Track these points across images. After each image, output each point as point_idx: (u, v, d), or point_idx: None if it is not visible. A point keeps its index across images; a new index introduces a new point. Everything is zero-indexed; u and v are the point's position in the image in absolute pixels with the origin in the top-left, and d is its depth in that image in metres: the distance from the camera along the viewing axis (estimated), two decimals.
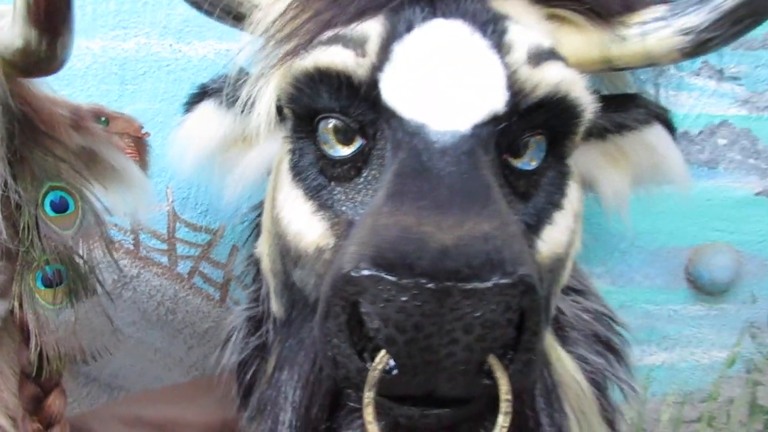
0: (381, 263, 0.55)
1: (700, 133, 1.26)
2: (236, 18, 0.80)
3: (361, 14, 0.71)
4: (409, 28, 0.70)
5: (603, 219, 1.27)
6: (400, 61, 0.69)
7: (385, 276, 0.54)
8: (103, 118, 0.95)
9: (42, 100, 0.87)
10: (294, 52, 0.73)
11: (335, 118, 0.73)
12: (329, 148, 0.74)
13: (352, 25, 0.71)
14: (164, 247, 1.27)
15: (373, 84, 0.69)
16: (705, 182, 1.28)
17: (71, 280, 0.86)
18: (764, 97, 1.26)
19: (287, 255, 0.78)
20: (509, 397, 0.58)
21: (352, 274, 0.56)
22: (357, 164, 0.72)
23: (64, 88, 1.21)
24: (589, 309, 0.96)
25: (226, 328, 0.98)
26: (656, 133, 0.89)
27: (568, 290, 0.96)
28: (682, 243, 1.29)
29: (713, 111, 1.26)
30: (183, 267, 1.26)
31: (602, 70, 0.85)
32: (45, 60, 0.74)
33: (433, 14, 0.72)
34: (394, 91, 0.68)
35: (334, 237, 0.71)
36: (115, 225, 1.22)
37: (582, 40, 0.82)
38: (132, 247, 1.26)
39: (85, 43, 1.19)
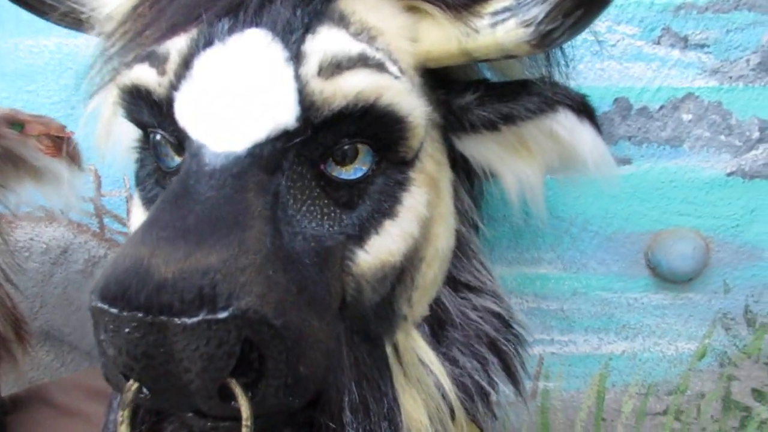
0: (106, 296, 0.57)
1: (661, 108, 1.15)
2: (75, 22, 0.83)
3: (170, 31, 0.72)
4: (208, 43, 0.70)
5: (551, 203, 1.22)
6: (192, 79, 0.69)
7: (108, 309, 0.57)
8: (17, 123, 1.02)
9: None
10: (118, 70, 0.75)
11: (158, 133, 0.75)
12: (166, 158, 0.76)
13: (163, 42, 0.72)
14: (126, 230, 1.35)
15: (170, 103, 0.69)
16: (666, 162, 1.16)
17: None
18: (737, 65, 1.12)
19: None
20: (249, 423, 0.59)
21: (90, 304, 0.58)
22: None
23: (28, 85, 1.32)
24: (479, 307, 0.93)
25: None
26: (559, 119, 0.83)
27: (460, 287, 0.94)
28: (640, 228, 1.19)
29: (676, 83, 1.14)
30: None
31: (467, 62, 0.80)
32: None
33: (244, 24, 0.71)
34: (183, 111, 0.69)
35: None
36: (82, 210, 1.32)
37: (439, 33, 0.78)
38: (98, 230, 1.36)
39: (44, 41, 1.27)
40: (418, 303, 0.84)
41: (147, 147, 0.80)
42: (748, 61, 1.12)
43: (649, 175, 1.17)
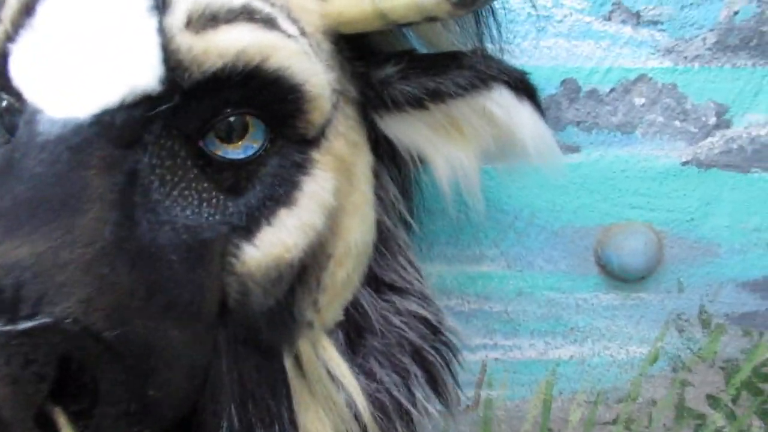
0: None
1: (612, 91, 1.04)
2: None
3: None
4: None
5: (493, 194, 1.11)
6: (32, 29, 0.55)
7: None
8: None
9: None
10: None
11: (2, 99, 0.61)
12: None
13: None
14: None
15: (5, 58, 0.56)
16: (618, 150, 1.06)
17: None
18: (693, 44, 1.03)
19: None
20: None
21: None
22: None
23: None
24: (403, 311, 0.81)
25: None
26: (494, 98, 0.72)
27: (383, 287, 0.82)
28: (590, 222, 1.09)
29: (628, 64, 1.03)
30: None
31: (384, 27, 0.68)
32: None
33: None
34: (18, 68, 0.55)
35: None
36: None
37: None
38: None
39: None
40: (328, 307, 0.72)
41: None
42: (704, 39, 1.02)
43: (599, 165, 1.07)
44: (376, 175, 0.79)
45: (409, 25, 0.69)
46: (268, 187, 0.62)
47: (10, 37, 0.55)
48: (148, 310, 0.49)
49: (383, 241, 0.82)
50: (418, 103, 0.72)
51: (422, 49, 0.78)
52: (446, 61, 0.72)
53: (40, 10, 0.55)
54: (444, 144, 0.76)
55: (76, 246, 0.46)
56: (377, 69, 0.73)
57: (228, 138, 0.61)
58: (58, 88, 0.53)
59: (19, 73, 0.55)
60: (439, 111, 0.73)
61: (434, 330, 0.82)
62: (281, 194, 0.63)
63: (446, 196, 0.80)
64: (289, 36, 0.60)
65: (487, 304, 1.14)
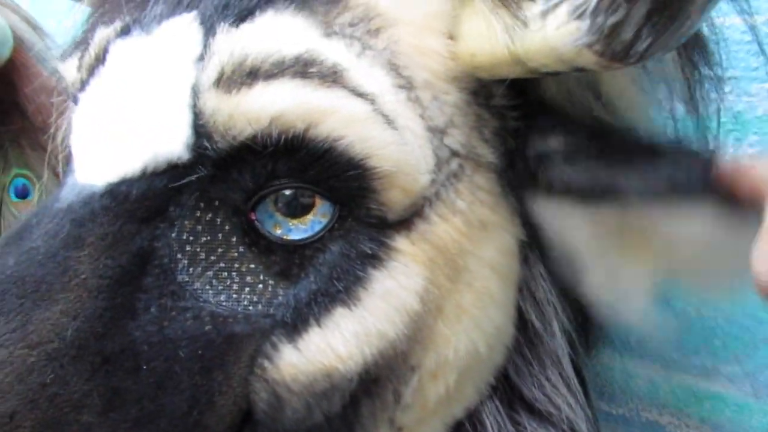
0: None
1: None
2: None
3: (112, 15, 0.55)
4: (127, 31, 0.52)
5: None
6: (98, 78, 0.51)
7: None
8: None
9: (36, 90, 0.93)
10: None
11: None
12: None
13: (98, 28, 0.56)
14: None
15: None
16: None
17: None
18: None
19: None
20: None
21: None
22: None
23: None
24: None
25: None
26: (700, 213, 0.48)
27: (518, 405, 0.64)
28: None
29: None
30: None
31: (528, 75, 0.51)
32: None
33: (181, 7, 0.51)
34: (75, 121, 0.52)
35: None
36: None
37: (484, 30, 0.50)
38: None
39: None
40: (416, 426, 0.57)
41: None
42: None
43: None
44: (527, 263, 0.60)
45: (557, 74, 0.48)
46: (324, 279, 0.49)
47: (83, 85, 0.53)
48: (107, 425, 0.42)
49: (529, 345, 0.62)
50: (582, 197, 0.51)
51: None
52: (635, 149, 0.49)
53: (107, 59, 0.51)
54: (610, 253, 0.53)
55: (20, 345, 0.40)
56: (537, 138, 0.54)
57: (289, 212, 0.50)
58: (89, 149, 0.48)
59: (75, 127, 0.51)
60: (612, 212, 0.51)
61: None
62: (340, 290, 0.49)
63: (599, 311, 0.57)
64: (359, 95, 0.46)
65: None
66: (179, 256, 0.48)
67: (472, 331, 0.56)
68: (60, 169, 0.80)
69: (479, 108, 0.55)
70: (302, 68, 0.45)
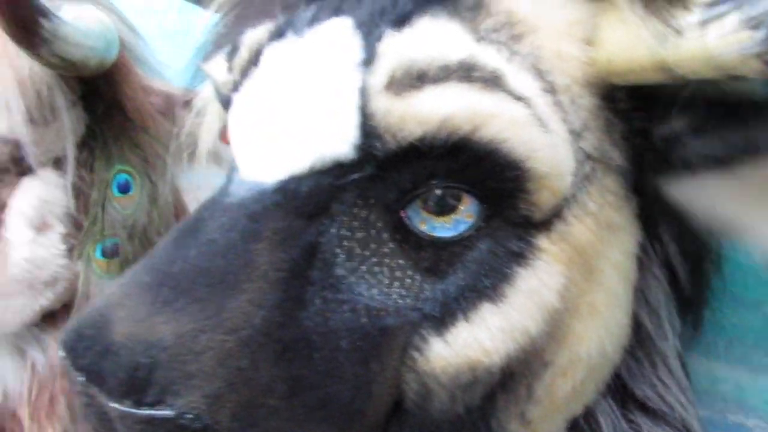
0: (64, 343, 0.46)
1: None
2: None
3: (257, 17, 0.58)
4: (282, 34, 0.54)
5: None
6: (253, 80, 0.54)
7: (64, 357, 0.46)
8: None
9: (136, 90, 0.96)
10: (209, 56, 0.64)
11: None
12: None
13: (246, 31, 0.58)
14: None
15: (230, 105, 0.56)
16: None
17: (125, 254, 0.96)
18: None
19: None
20: None
21: None
22: None
23: None
24: None
25: None
26: None
27: (630, 403, 0.65)
28: None
29: None
30: None
31: (668, 81, 0.52)
32: (60, 66, 0.82)
33: (330, 13, 0.53)
34: (233, 119, 0.54)
35: None
36: None
37: (626, 34, 0.52)
38: None
39: None
40: (543, 420, 0.59)
41: None
42: None
43: None
44: (642, 265, 0.61)
45: (700, 81, 0.50)
46: (472, 276, 0.51)
47: (236, 86, 0.55)
48: (289, 409, 0.44)
49: (641, 346, 0.64)
50: (721, 165, 0.53)
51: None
52: (758, 107, 0.51)
53: (261, 62, 0.54)
54: (764, 210, 0.54)
55: (218, 331, 0.43)
56: (660, 124, 0.55)
57: (436, 210, 0.52)
58: (254, 148, 0.50)
59: (232, 126, 0.54)
60: (753, 171, 0.52)
61: None
62: (487, 287, 0.51)
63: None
64: (518, 98, 0.48)
65: None
66: (337, 250, 0.50)
67: (602, 330, 0.58)
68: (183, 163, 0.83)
69: (608, 112, 0.56)
70: (466, 72, 0.47)
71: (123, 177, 0.96)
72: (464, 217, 0.52)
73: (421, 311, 0.51)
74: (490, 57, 0.49)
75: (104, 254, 0.95)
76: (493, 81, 0.48)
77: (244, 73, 0.55)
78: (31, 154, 0.87)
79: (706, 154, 0.52)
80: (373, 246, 0.51)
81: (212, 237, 0.47)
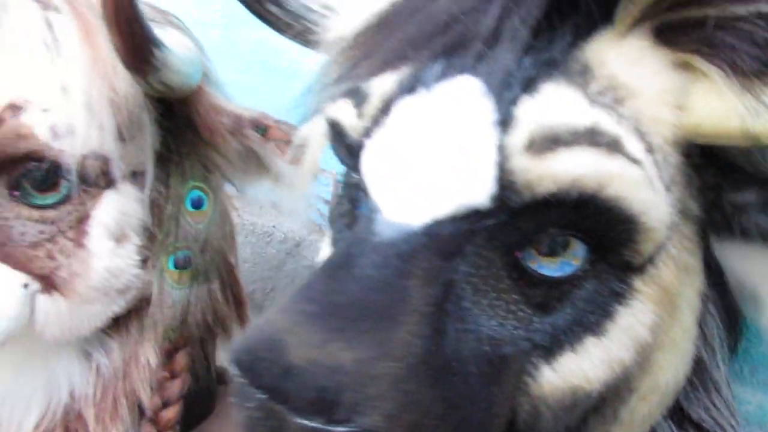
0: (238, 362, 0.52)
1: None
2: (308, 42, 0.80)
3: (380, 67, 0.64)
4: (412, 88, 0.60)
5: None
6: (386, 128, 0.60)
7: (239, 376, 0.51)
8: (262, 127, 1.05)
9: (208, 110, 1.01)
10: (327, 100, 0.70)
11: (353, 175, 0.68)
12: (361, 204, 0.70)
13: (370, 78, 0.64)
14: None
15: (360, 150, 0.62)
16: None
17: (196, 266, 1.01)
18: None
19: None
20: None
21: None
22: None
23: (293, 83, 1.37)
24: None
25: None
26: None
27: (687, 425, 0.73)
28: None
29: None
30: None
31: (752, 147, 0.60)
32: (160, 91, 0.87)
33: (458, 70, 0.60)
34: (368, 163, 0.60)
35: None
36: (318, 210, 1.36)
37: (717, 103, 0.59)
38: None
39: None
40: None
41: (343, 183, 0.74)
42: None
43: None
44: (704, 303, 0.69)
45: None
46: (578, 312, 0.59)
47: (368, 133, 0.61)
48: (443, 428, 0.51)
49: (696, 373, 0.72)
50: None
51: None
52: None
53: (394, 111, 0.60)
54: None
55: (387, 360, 0.49)
56: (734, 190, 0.63)
57: (546, 252, 0.59)
58: (397, 193, 0.57)
59: (367, 168, 0.60)
60: None
61: None
62: (591, 322, 0.59)
63: None
64: (634, 161, 0.55)
65: None
66: (465, 286, 0.57)
67: (678, 360, 0.66)
68: None
69: (688, 168, 0.64)
70: (592, 137, 0.54)
71: (196, 193, 1.00)
72: (570, 259, 0.59)
73: (532, 341, 0.58)
74: (608, 123, 0.56)
75: (176, 265, 1.00)
76: (614, 145, 0.55)
77: (376, 121, 0.61)
78: (118, 168, 0.91)
79: (764, 230, 0.61)
80: (492, 282, 0.58)
81: (368, 273, 0.53)
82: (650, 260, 0.60)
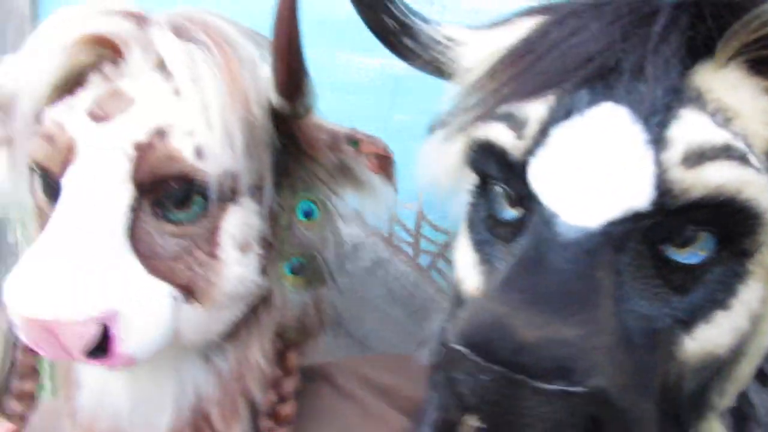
0: (469, 342, 0.63)
1: None
2: (436, 70, 0.91)
3: (528, 95, 0.77)
4: (568, 114, 0.73)
5: None
6: (550, 148, 0.73)
7: (469, 354, 0.63)
8: (354, 141, 1.16)
9: (309, 126, 1.11)
10: (473, 122, 0.82)
11: (500, 186, 0.81)
12: (500, 208, 0.82)
13: (522, 104, 0.77)
14: (411, 240, 1.47)
15: (524, 166, 0.75)
16: None
17: (309, 272, 1.11)
18: None
19: (454, 292, 0.89)
20: None
21: (449, 344, 0.65)
22: (517, 229, 0.79)
23: (349, 97, 1.48)
24: None
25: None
26: None
27: None
28: None
29: None
30: (424, 260, 1.45)
31: None
32: (293, 114, 0.97)
33: (602, 98, 0.73)
34: (538, 177, 0.73)
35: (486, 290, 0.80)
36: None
37: None
38: (387, 235, 1.49)
39: (370, 60, 1.42)
40: (728, 394, 0.81)
41: (480, 193, 0.86)
42: None
43: None
44: None
45: None
46: (709, 291, 0.73)
47: (531, 152, 0.74)
48: (636, 387, 0.64)
49: None
50: None
51: None
52: None
53: (554, 134, 0.73)
54: None
55: (601, 334, 0.62)
56: None
57: (681, 244, 0.73)
58: (574, 201, 0.70)
59: (537, 181, 0.73)
60: None
61: None
62: (720, 299, 0.73)
63: None
64: (758, 171, 0.70)
65: None
66: (626, 274, 0.70)
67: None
68: None
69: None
70: (727, 152, 0.69)
71: (307, 204, 1.10)
72: (697, 250, 0.73)
73: (674, 317, 0.72)
74: (737, 143, 0.70)
75: (292, 271, 1.10)
76: (744, 159, 0.69)
77: (537, 142, 0.74)
78: (244, 184, 1.01)
79: None
80: (643, 270, 0.71)
81: (563, 267, 0.66)
82: (759, 248, 0.75)
